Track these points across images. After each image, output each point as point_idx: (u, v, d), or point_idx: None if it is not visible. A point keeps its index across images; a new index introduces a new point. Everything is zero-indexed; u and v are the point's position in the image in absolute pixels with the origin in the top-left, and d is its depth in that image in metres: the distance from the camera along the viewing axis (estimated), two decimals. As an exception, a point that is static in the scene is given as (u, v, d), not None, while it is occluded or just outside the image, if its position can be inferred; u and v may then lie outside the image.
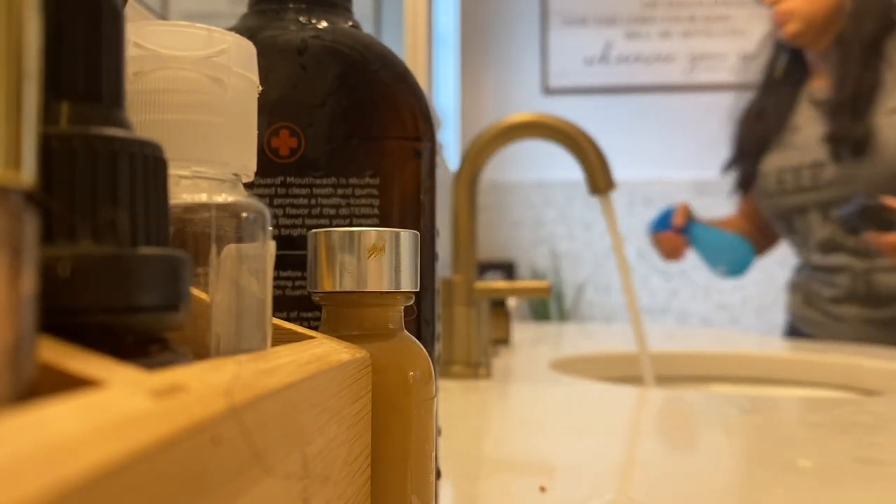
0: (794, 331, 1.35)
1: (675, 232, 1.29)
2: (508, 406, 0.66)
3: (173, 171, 0.17)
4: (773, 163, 1.27)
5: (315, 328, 0.23)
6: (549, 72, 2.89)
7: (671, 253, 1.35)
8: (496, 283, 0.89)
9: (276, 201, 0.29)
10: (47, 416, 0.08)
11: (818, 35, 1.22)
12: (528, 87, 2.90)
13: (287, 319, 0.27)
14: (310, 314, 0.28)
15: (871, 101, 1.16)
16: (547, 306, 2.68)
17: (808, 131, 1.24)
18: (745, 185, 1.35)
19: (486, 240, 2.79)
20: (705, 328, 2.46)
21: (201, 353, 0.18)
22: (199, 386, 0.11)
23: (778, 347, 1.10)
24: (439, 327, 0.61)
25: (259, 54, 0.21)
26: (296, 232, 0.29)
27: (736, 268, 1.26)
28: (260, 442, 0.13)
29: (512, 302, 1.73)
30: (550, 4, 2.89)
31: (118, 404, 0.09)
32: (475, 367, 0.79)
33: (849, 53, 1.18)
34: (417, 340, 0.24)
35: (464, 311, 0.81)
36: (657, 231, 1.32)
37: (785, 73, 1.29)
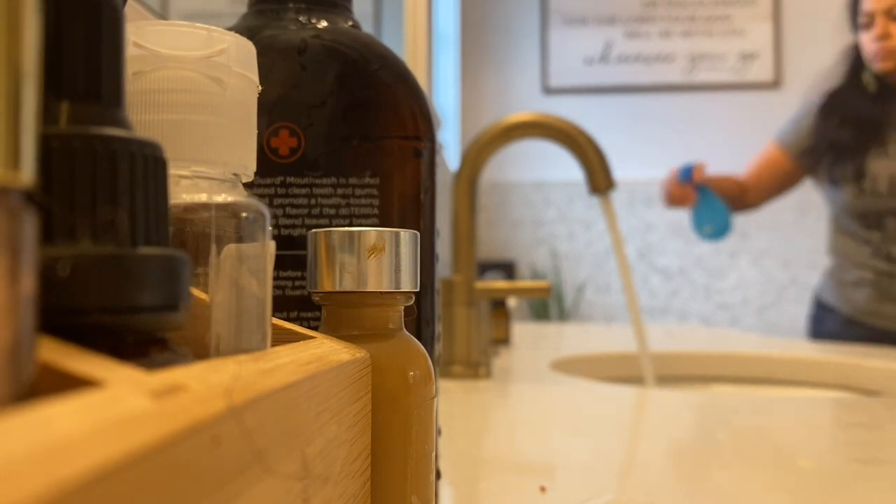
0: (850, 326, 1.36)
1: (691, 186, 1.38)
2: (508, 406, 0.66)
3: (173, 171, 0.17)
4: (886, 167, 1.31)
5: (315, 328, 0.23)
6: (549, 72, 2.89)
7: (678, 201, 1.41)
8: (496, 283, 0.89)
9: (276, 201, 0.29)
10: (47, 416, 0.08)
11: None
12: (528, 87, 2.90)
13: (287, 319, 0.27)
14: (310, 314, 0.28)
15: None
16: (547, 306, 2.68)
17: None
18: (854, 177, 1.36)
19: (486, 240, 2.79)
20: (705, 328, 2.46)
21: (201, 353, 0.18)
22: (199, 386, 0.11)
23: (778, 347, 1.10)
24: (439, 327, 0.61)
25: (259, 54, 0.21)
26: (296, 232, 0.29)
27: (719, 234, 1.42)
28: (260, 442, 0.13)
29: (512, 302, 1.73)
30: (550, 4, 2.89)
31: (118, 404, 0.09)
32: (475, 367, 0.79)
33: None
34: (417, 340, 0.24)
35: (464, 311, 0.81)
36: (682, 180, 1.38)
37: (878, 89, 1.33)
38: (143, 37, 0.18)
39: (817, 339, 1.37)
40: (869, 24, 1.32)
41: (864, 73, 1.35)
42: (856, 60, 1.37)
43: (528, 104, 2.82)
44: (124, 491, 0.08)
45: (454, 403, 0.64)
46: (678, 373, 0.98)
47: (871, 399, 0.73)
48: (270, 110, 0.29)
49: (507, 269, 2.77)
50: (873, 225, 1.36)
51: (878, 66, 1.31)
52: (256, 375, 0.13)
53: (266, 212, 0.20)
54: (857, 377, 0.90)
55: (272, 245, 0.20)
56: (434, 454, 0.24)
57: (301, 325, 0.25)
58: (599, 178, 0.81)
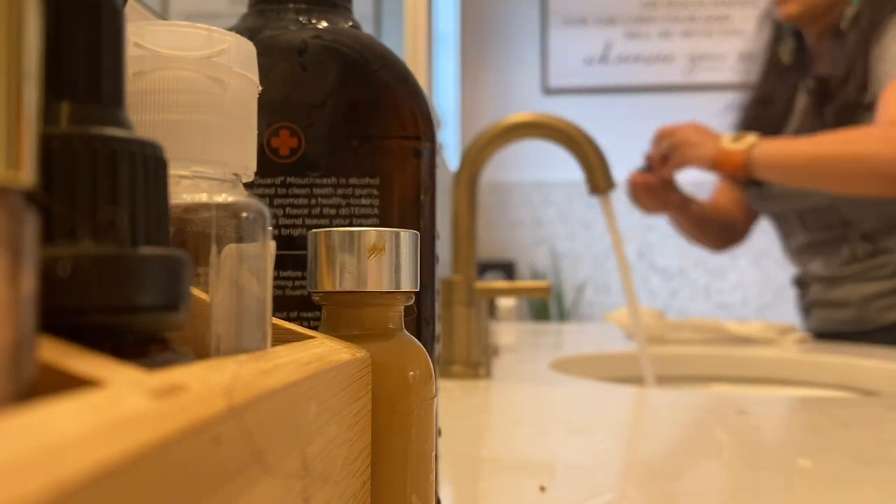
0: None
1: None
2: (508, 406, 0.66)
3: (173, 171, 0.17)
4: None
5: (315, 328, 0.23)
6: (549, 72, 2.89)
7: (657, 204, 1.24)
8: (496, 283, 0.89)
9: (276, 201, 0.29)
10: (47, 416, 0.08)
11: (816, 19, 1.18)
12: (528, 87, 2.90)
13: (287, 319, 0.27)
14: (310, 314, 0.28)
15: (861, 93, 1.11)
16: (547, 306, 2.68)
17: (793, 125, 1.21)
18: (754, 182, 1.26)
19: (486, 240, 2.79)
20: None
21: (201, 353, 0.18)
22: (199, 386, 0.11)
23: (777, 348, 1.10)
24: (439, 327, 0.61)
25: (259, 54, 0.21)
26: (296, 232, 0.29)
27: None
28: (260, 442, 0.13)
29: (510, 302, 1.73)
30: (550, 4, 2.89)
31: (118, 404, 0.09)
32: (475, 367, 0.79)
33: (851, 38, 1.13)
34: (417, 340, 0.24)
35: (464, 311, 0.81)
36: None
37: (794, 58, 1.24)
38: (143, 37, 0.18)
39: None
40: None
41: (782, 46, 1.25)
42: (775, 27, 1.28)
43: (528, 104, 2.82)
44: (124, 491, 0.08)
45: (454, 403, 0.64)
46: (678, 373, 0.98)
47: (871, 399, 0.73)
48: (271, 110, 0.29)
49: (507, 269, 2.77)
50: (779, 231, 1.29)
51: (781, 13, 1.19)
52: (256, 375, 0.13)
53: (266, 212, 0.20)
54: (857, 377, 0.90)
55: (272, 245, 0.20)
56: (434, 454, 0.24)
57: (301, 325, 0.25)
58: (599, 179, 0.81)
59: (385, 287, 0.23)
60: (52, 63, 0.13)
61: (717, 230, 1.35)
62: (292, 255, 0.28)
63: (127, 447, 0.08)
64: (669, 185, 1.22)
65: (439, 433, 0.28)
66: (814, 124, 1.16)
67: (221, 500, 0.11)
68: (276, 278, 0.28)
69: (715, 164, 1.08)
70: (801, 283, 1.32)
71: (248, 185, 0.21)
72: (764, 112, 1.26)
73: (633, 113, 2.84)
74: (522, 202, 2.88)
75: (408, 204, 0.30)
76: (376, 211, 0.29)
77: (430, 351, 0.30)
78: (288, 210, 0.29)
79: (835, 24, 1.17)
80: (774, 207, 1.26)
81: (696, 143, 1.11)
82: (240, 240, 0.19)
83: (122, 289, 0.13)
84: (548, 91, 2.89)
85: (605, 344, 1.13)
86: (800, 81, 1.23)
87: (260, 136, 0.26)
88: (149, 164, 0.14)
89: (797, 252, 1.28)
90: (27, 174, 0.10)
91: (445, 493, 0.37)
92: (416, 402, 0.23)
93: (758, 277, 2.76)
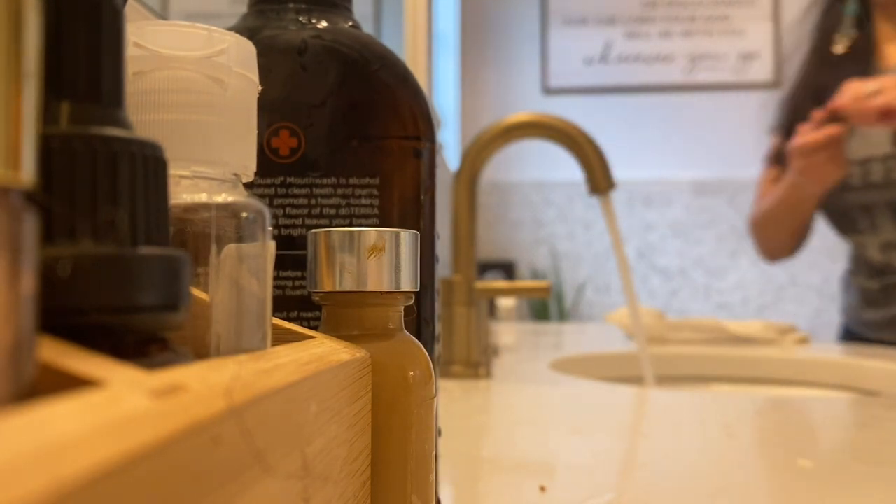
0: (852, 335, 1.21)
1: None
2: (508, 406, 0.66)
3: (173, 171, 0.17)
4: (856, 152, 1.08)
5: (315, 328, 0.23)
6: (549, 72, 2.89)
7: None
8: (496, 283, 0.89)
9: (276, 201, 0.29)
10: (47, 416, 0.08)
11: None
12: (528, 87, 2.90)
13: (287, 319, 0.27)
14: (310, 314, 0.28)
15: None
16: (547, 306, 2.68)
17: None
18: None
19: (486, 240, 2.79)
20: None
21: (201, 353, 0.18)
22: (199, 386, 0.11)
23: (777, 348, 1.10)
24: (439, 327, 0.61)
25: (259, 54, 0.21)
26: (296, 232, 0.29)
27: None
28: (260, 442, 0.13)
29: (510, 302, 1.73)
30: (550, 4, 2.89)
31: (118, 404, 0.09)
32: (475, 367, 0.79)
33: None
34: (417, 340, 0.24)
35: (464, 311, 0.81)
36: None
37: (851, 46, 1.11)
38: (143, 37, 0.18)
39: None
40: None
41: (839, 34, 1.12)
42: (825, 15, 1.16)
43: (528, 104, 2.82)
44: (124, 491, 0.08)
45: (454, 403, 0.64)
46: (678, 373, 0.98)
47: (871, 399, 0.73)
48: (271, 110, 0.29)
49: (507, 269, 2.77)
50: (850, 227, 1.17)
51: None
52: (256, 375, 0.13)
53: (266, 212, 0.20)
54: (857, 377, 0.90)
55: (272, 245, 0.20)
56: (434, 454, 0.24)
57: (301, 325, 0.25)
58: (599, 179, 0.81)
59: (385, 287, 0.23)
60: (52, 63, 0.13)
61: (803, 228, 1.21)
62: (292, 255, 0.28)
63: (127, 447, 0.08)
64: (840, 146, 1.03)
65: (439, 433, 0.28)
66: None
67: (221, 500, 0.11)
68: (276, 278, 0.28)
69: None
70: (888, 287, 1.15)
71: (248, 185, 0.21)
72: (817, 105, 1.08)
73: (633, 113, 2.84)
74: (522, 202, 2.88)
75: (408, 204, 0.30)
76: (376, 211, 0.29)
77: (430, 351, 0.30)
78: (288, 210, 0.29)
79: None
80: (859, 200, 1.13)
81: None
82: (240, 240, 0.19)
83: (122, 289, 0.13)
84: (548, 91, 2.89)
85: (605, 344, 1.13)
86: (859, 68, 1.09)
87: (260, 136, 0.26)
88: (149, 164, 0.14)
89: (883, 249, 1.14)
90: (27, 174, 0.10)
91: (445, 493, 0.37)
92: (416, 402, 0.23)
93: (758, 277, 2.76)
